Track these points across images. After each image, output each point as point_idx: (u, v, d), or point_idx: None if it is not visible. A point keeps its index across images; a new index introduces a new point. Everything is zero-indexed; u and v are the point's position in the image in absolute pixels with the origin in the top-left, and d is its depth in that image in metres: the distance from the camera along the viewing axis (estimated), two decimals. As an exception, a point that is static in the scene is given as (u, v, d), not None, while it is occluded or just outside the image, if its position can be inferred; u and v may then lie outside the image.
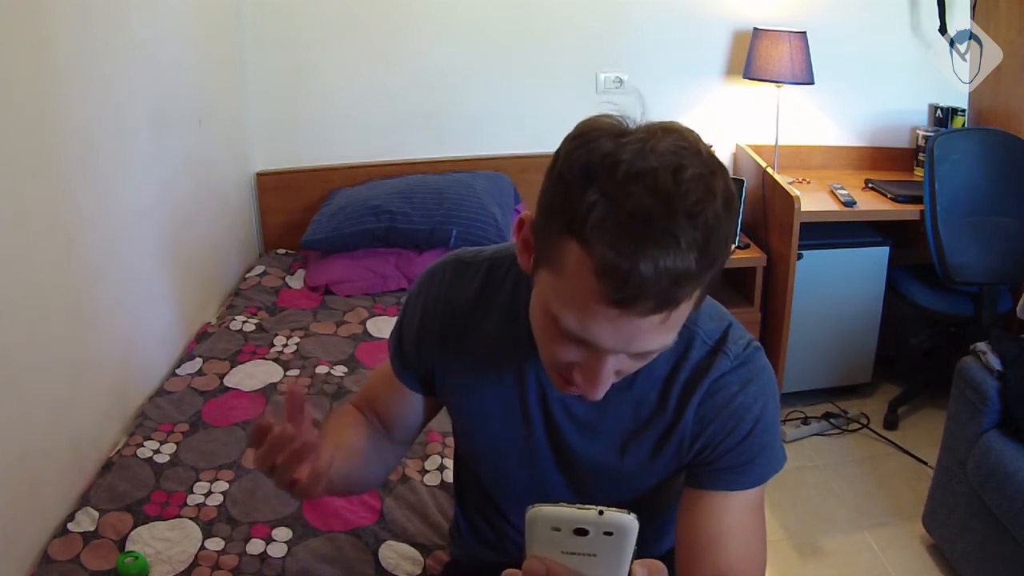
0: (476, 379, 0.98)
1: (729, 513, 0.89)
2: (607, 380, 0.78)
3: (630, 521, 0.58)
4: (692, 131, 0.74)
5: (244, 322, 2.26)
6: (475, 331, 0.96)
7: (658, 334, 0.73)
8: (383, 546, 1.45)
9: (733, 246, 2.62)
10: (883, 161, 3.14)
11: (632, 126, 0.73)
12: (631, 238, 0.67)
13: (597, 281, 0.69)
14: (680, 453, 0.93)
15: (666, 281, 0.68)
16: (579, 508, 0.58)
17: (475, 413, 1.00)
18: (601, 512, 0.57)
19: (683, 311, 0.73)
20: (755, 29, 2.84)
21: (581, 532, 0.58)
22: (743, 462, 0.89)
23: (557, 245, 0.73)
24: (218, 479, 1.62)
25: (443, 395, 1.04)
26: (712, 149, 0.74)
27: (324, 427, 1.07)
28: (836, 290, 2.81)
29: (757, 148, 2.95)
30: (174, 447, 1.71)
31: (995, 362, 1.92)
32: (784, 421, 2.76)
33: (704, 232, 0.68)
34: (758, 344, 0.93)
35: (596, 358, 0.76)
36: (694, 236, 0.68)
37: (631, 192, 0.68)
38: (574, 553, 0.59)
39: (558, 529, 0.58)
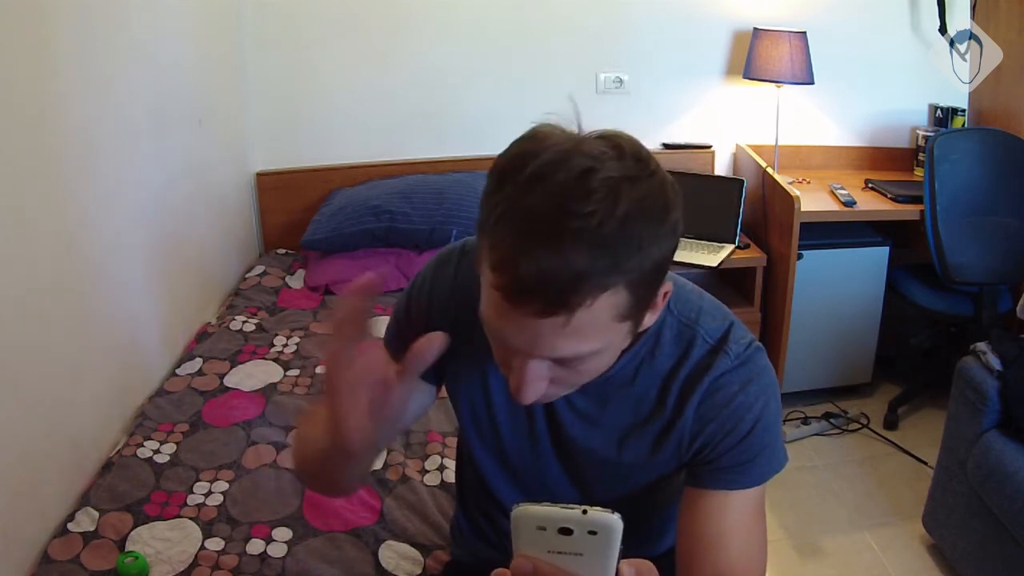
0: (481, 371, 0.98)
1: (730, 512, 0.89)
2: (532, 383, 0.77)
3: (614, 520, 0.57)
4: (629, 138, 0.74)
5: (244, 322, 2.26)
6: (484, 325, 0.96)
7: (564, 339, 0.72)
8: (383, 546, 1.45)
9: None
10: (883, 161, 3.14)
11: (571, 132, 0.73)
12: (519, 236, 0.68)
13: (493, 278, 0.71)
14: (680, 451, 0.93)
15: (553, 281, 0.68)
16: (563, 507, 0.58)
17: (480, 404, 1.00)
18: (585, 511, 0.57)
19: (595, 316, 0.71)
20: (755, 29, 2.83)
21: (566, 531, 0.58)
22: (743, 461, 0.89)
23: (479, 242, 0.74)
24: (218, 479, 1.62)
25: (449, 387, 1.04)
26: (650, 155, 0.73)
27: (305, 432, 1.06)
28: (836, 290, 2.80)
29: (757, 148, 2.95)
30: (174, 447, 1.71)
31: (995, 362, 1.92)
32: (784, 421, 2.76)
33: (603, 236, 0.67)
34: (759, 344, 0.93)
35: (518, 359, 0.77)
36: (588, 239, 0.67)
37: (529, 192, 0.69)
38: (561, 552, 0.59)
39: (543, 528, 0.58)
